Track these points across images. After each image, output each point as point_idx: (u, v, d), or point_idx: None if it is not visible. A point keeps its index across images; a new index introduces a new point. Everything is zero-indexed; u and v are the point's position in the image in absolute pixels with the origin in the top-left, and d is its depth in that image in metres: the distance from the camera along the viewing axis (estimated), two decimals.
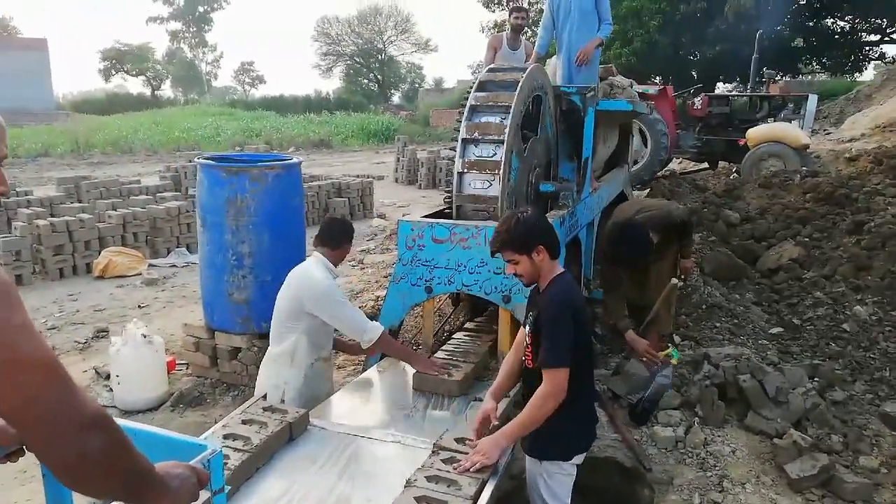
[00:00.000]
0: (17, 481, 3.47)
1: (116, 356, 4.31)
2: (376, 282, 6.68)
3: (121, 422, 1.13)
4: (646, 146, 10.75)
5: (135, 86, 69.45)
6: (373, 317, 5.39)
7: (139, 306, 6.55)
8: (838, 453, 3.52)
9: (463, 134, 3.81)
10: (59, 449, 0.98)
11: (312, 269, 3.09)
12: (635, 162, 10.00)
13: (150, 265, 8.01)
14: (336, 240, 3.15)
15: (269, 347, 3.18)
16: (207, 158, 4.42)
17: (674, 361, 3.83)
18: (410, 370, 3.44)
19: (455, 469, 2.28)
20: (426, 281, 3.58)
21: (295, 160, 4.46)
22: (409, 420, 2.99)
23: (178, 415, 4.28)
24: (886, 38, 24.68)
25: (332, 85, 74.22)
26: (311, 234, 7.54)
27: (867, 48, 25.49)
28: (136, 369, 4.30)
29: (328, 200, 11.21)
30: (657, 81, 21.19)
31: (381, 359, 3.66)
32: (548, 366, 2.26)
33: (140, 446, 1.08)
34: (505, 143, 3.67)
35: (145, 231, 8.47)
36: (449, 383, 3.15)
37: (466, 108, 3.88)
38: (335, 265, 3.17)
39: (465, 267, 3.51)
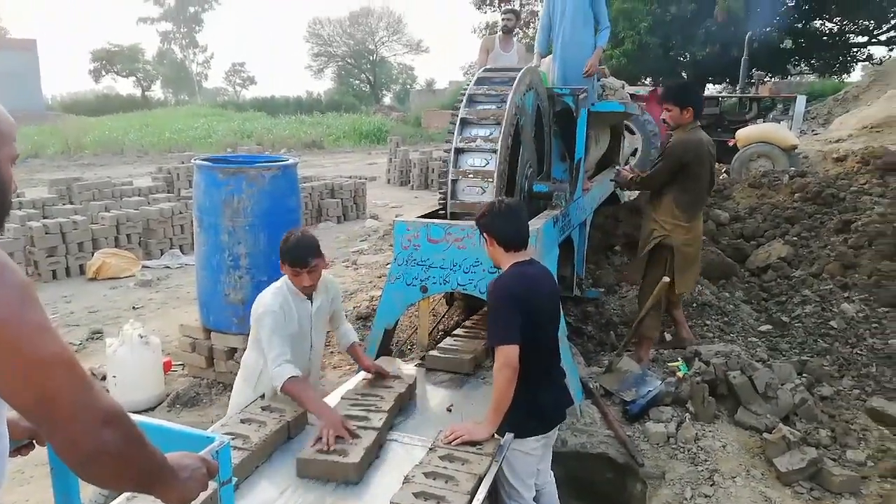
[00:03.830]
0: (15, 482, 3.49)
1: (113, 357, 4.33)
2: (370, 282, 6.72)
3: (135, 417, 1.17)
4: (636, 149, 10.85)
5: (125, 87, 69.24)
6: (368, 317, 5.45)
7: (133, 308, 6.56)
8: (826, 447, 3.59)
9: (456, 143, 3.85)
10: (78, 444, 1.01)
11: (269, 288, 2.87)
12: (626, 162, 10.07)
13: (144, 267, 8.01)
14: (280, 259, 2.80)
15: None
16: (203, 160, 4.45)
17: (680, 375, 3.91)
18: (407, 369, 3.48)
19: (440, 441, 2.48)
20: (421, 280, 3.62)
21: (291, 161, 4.49)
22: (407, 418, 3.04)
23: (175, 415, 4.30)
24: (873, 40, 24.91)
25: (323, 86, 74.11)
26: None
27: (855, 49, 25.72)
28: (132, 370, 4.32)
29: (321, 201, 11.24)
30: (648, 83, 21.32)
31: (377, 357, 3.70)
32: (492, 344, 2.50)
33: (153, 439, 1.13)
34: (498, 153, 3.72)
35: (138, 232, 8.47)
36: (345, 467, 2.36)
37: (458, 122, 3.91)
38: (296, 287, 2.82)
39: (459, 266, 3.55)
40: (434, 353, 3.61)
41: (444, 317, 5.12)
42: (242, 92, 56.90)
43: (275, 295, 2.81)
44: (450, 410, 3.06)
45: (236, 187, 4.12)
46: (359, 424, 2.60)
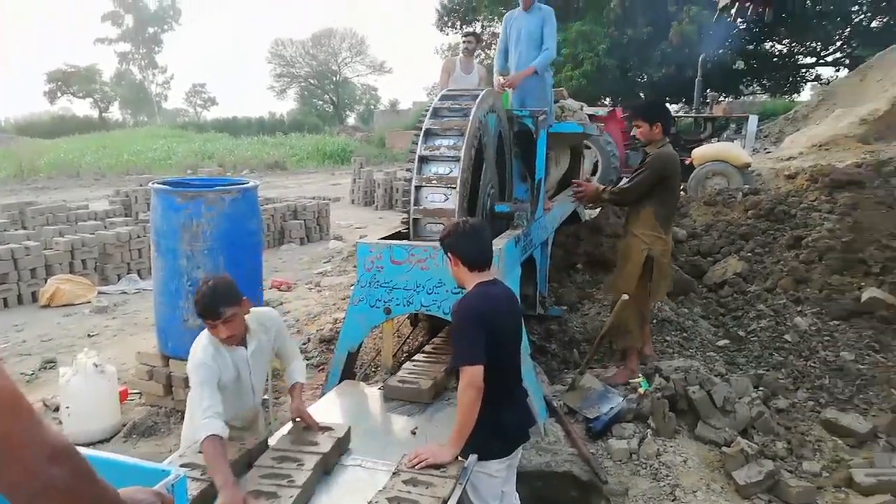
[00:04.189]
0: None
1: (67, 387, 4.20)
2: (334, 304, 6.68)
3: (85, 451, 1.15)
4: (596, 167, 11.05)
5: (81, 108, 67.62)
6: (331, 339, 5.41)
7: (89, 335, 6.38)
8: (783, 459, 3.68)
9: (420, 152, 3.89)
10: (25, 481, 0.98)
11: (201, 336, 2.71)
12: (587, 181, 10.25)
13: (100, 292, 7.81)
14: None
15: None
16: (162, 183, 4.39)
17: (641, 391, 3.97)
18: (371, 392, 3.46)
19: (405, 465, 2.44)
20: (385, 302, 3.61)
21: (252, 183, 4.46)
22: (369, 442, 3.01)
23: (132, 445, 4.19)
24: (821, 61, 26.01)
25: (286, 106, 73.72)
26: (266, 258, 7.46)
27: (804, 70, 26.80)
28: (87, 400, 4.20)
29: (284, 223, 11.14)
30: (607, 103, 21.79)
31: (339, 381, 3.67)
32: (456, 365, 2.48)
33: (104, 474, 1.10)
34: (461, 160, 3.75)
35: (94, 257, 8.26)
36: None
37: (422, 132, 3.96)
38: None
39: (423, 287, 3.56)
40: (393, 381, 3.46)
41: (408, 338, 5.11)
42: (203, 113, 56.29)
43: (205, 347, 2.64)
44: (414, 433, 3.04)
45: (195, 211, 4.07)
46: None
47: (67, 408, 4.23)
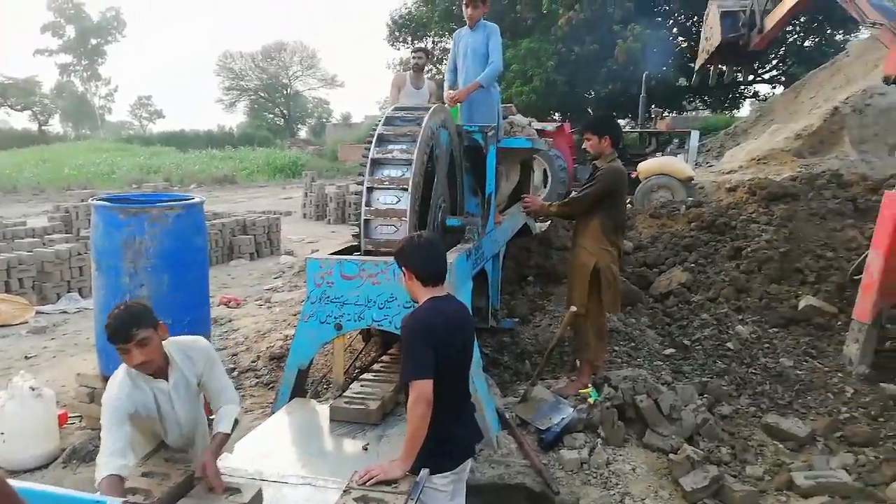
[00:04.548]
0: None
1: (1, 412, 4.02)
2: (284, 320, 6.57)
3: (16, 483, 1.10)
4: (546, 182, 11.26)
5: (19, 121, 65.20)
6: (282, 357, 5.32)
7: (26, 357, 6.11)
8: (727, 464, 3.79)
9: (372, 155, 3.88)
10: None
11: (119, 370, 2.58)
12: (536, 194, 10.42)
13: (38, 312, 7.49)
14: None
15: None
16: (103, 199, 4.26)
17: (591, 401, 4.04)
18: (322, 410, 3.41)
19: (355, 482, 2.41)
20: (336, 318, 3.59)
21: (197, 199, 4.37)
22: (320, 461, 2.97)
23: (72, 471, 4.02)
24: (758, 79, 27.12)
25: (236, 119, 72.57)
26: (212, 274, 7.32)
27: (742, 87, 27.86)
28: (23, 425, 4.02)
29: (233, 238, 10.94)
30: (556, 118, 22.22)
31: (289, 399, 3.61)
32: (406, 380, 2.49)
33: None
34: (413, 164, 3.76)
35: (32, 276, 7.94)
36: None
37: (375, 137, 3.97)
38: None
39: (374, 303, 3.55)
40: (339, 402, 3.35)
41: (361, 353, 5.07)
42: (150, 126, 54.98)
43: (121, 382, 2.51)
44: (365, 449, 3.01)
45: (138, 228, 3.96)
46: None
47: (2, 433, 4.03)
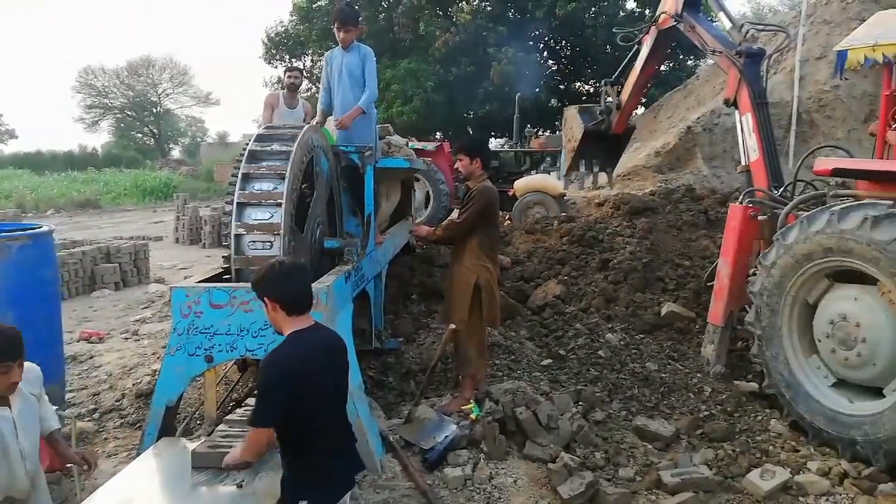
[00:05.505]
0: None
1: None
2: (154, 353, 6.17)
3: None
4: (427, 202, 11.41)
5: None
6: (150, 393, 4.97)
7: None
8: (602, 468, 3.96)
9: (243, 170, 3.74)
10: None
11: None
12: (418, 213, 10.51)
13: None
14: None
15: None
16: None
17: (473, 417, 4.08)
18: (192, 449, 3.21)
19: None
20: (206, 350, 3.41)
21: (45, 228, 4.02)
22: (190, 501, 2.79)
23: None
24: None
25: (99, 139, 67.70)
26: (71, 307, 6.72)
27: None
28: None
29: (94, 267, 10.14)
30: (438, 138, 22.61)
31: (157, 439, 3.38)
32: (249, 423, 2.53)
33: None
34: (283, 206, 3.66)
35: None
36: None
37: (245, 154, 3.83)
38: None
39: (248, 331, 3.42)
40: (202, 448, 3.09)
41: (237, 384, 4.85)
42: (0, 147, 49.98)
43: None
44: (240, 487, 2.86)
45: None
46: None
47: None
